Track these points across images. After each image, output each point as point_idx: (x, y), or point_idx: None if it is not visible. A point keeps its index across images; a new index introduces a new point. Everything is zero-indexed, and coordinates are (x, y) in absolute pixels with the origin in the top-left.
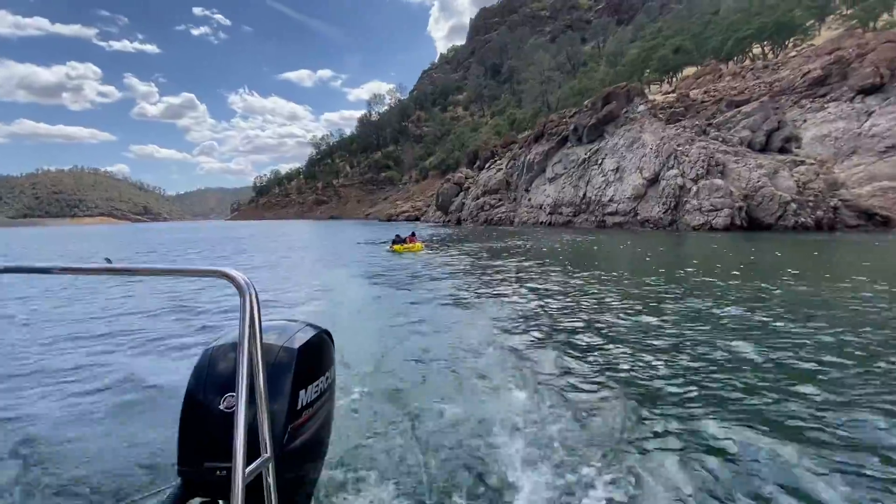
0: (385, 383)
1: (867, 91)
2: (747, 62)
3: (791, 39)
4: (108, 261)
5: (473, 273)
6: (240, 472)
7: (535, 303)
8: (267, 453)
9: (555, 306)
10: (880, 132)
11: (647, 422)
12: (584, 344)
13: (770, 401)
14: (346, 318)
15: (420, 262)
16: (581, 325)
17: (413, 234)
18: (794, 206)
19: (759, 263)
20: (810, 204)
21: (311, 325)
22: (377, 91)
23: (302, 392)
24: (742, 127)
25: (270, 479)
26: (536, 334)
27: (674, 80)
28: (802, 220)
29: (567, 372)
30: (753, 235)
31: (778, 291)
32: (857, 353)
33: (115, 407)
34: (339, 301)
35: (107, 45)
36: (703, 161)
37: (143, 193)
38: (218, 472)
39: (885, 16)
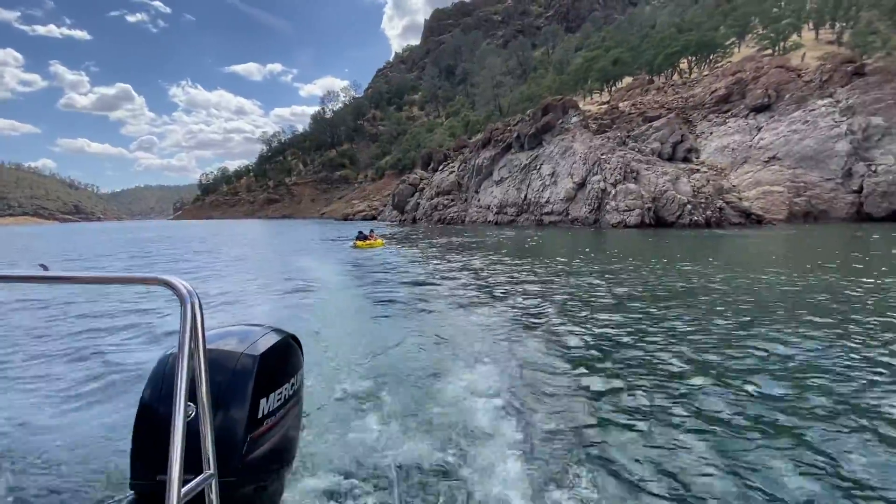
0: (360, 382)
1: (758, 109)
2: (676, 76)
3: (712, 56)
4: (44, 267)
5: (431, 264)
6: (175, 491)
7: (485, 284)
8: (210, 469)
9: (501, 288)
10: (766, 145)
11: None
12: (525, 314)
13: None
14: (316, 315)
15: (383, 256)
16: (523, 300)
17: (371, 231)
18: (689, 206)
19: (654, 252)
20: (702, 205)
21: (275, 329)
22: (331, 88)
23: (263, 400)
24: (653, 139)
25: (214, 496)
26: (489, 310)
27: (612, 89)
28: (695, 218)
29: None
30: (658, 232)
31: (667, 271)
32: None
33: (65, 415)
34: (310, 297)
35: (30, 29)
36: (621, 168)
37: (73, 191)
38: None
39: (795, 36)
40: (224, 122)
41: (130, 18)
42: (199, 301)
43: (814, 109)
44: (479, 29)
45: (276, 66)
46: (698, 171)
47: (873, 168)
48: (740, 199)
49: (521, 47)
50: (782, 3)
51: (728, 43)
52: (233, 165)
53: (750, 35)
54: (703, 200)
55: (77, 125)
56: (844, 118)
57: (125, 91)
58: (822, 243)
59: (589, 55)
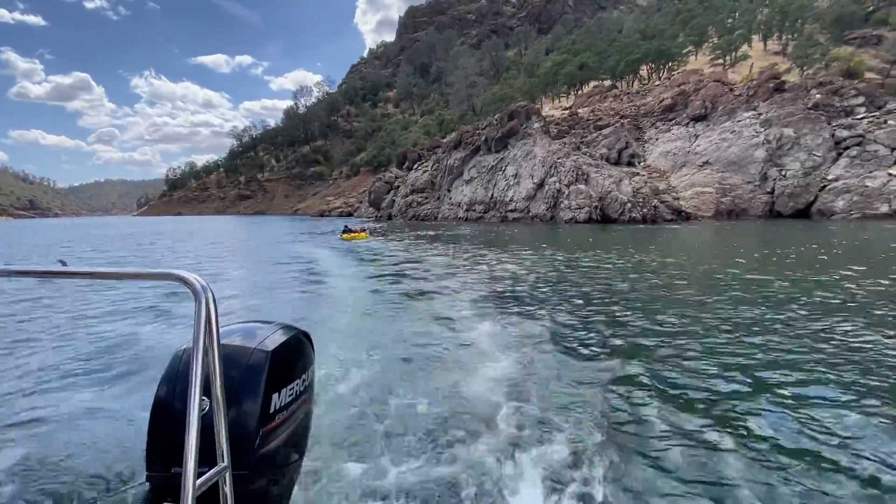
0: (367, 378)
1: (697, 119)
2: (636, 83)
3: (669, 64)
4: (63, 263)
5: (413, 252)
6: (190, 483)
7: (459, 264)
8: (224, 462)
9: (474, 267)
10: (701, 151)
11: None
12: (497, 294)
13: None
14: (322, 306)
15: (370, 247)
16: (494, 273)
17: (363, 228)
18: (629, 205)
19: (595, 242)
20: (640, 204)
21: (286, 325)
22: (303, 82)
23: (275, 395)
24: (602, 145)
25: (227, 489)
26: (465, 280)
27: (579, 92)
28: (634, 215)
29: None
30: (603, 227)
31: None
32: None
33: (82, 408)
34: (313, 287)
35: None
36: (574, 171)
37: (27, 185)
38: None
39: (745, 47)
40: (191, 115)
41: (89, 5)
42: (214, 296)
43: (740, 120)
44: (453, 28)
45: (246, 59)
46: (638, 174)
47: (783, 173)
48: (677, 198)
49: (494, 47)
50: (736, 15)
51: (685, 51)
52: (200, 160)
53: (706, 44)
54: (640, 200)
55: (31, 116)
56: (763, 129)
57: (83, 80)
58: (735, 237)
59: (558, 59)
